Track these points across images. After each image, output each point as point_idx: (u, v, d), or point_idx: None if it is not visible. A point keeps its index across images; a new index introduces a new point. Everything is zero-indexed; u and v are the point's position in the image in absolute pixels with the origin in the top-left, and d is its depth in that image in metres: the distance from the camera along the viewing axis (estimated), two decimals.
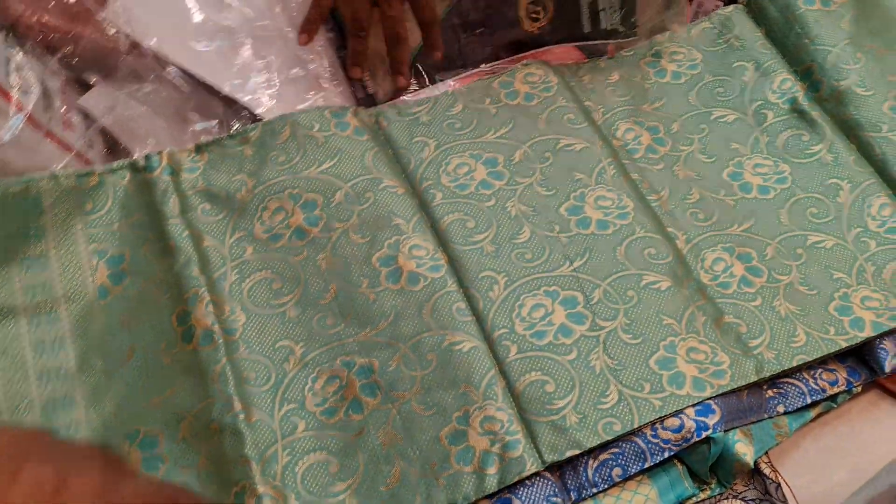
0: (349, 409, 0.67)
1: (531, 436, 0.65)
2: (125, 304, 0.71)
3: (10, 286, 0.69)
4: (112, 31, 0.80)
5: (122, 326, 0.70)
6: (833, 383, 0.71)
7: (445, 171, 0.78)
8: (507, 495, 0.63)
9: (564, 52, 0.92)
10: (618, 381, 0.66)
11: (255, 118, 0.84)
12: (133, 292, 0.71)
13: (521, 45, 0.92)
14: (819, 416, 0.71)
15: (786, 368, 0.69)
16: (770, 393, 0.70)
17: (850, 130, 0.82)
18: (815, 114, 0.83)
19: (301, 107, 0.84)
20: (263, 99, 0.84)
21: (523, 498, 0.63)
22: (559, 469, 0.65)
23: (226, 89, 0.83)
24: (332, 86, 0.88)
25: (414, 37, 0.87)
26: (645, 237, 0.75)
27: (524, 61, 0.88)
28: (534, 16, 0.93)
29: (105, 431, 0.66)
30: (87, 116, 0.81)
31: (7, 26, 0.75)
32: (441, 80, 0.89)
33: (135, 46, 0.81)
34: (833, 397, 0.71)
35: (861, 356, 0.72)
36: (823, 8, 0.88)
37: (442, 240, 0.74)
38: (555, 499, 0.63)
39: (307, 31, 0.87)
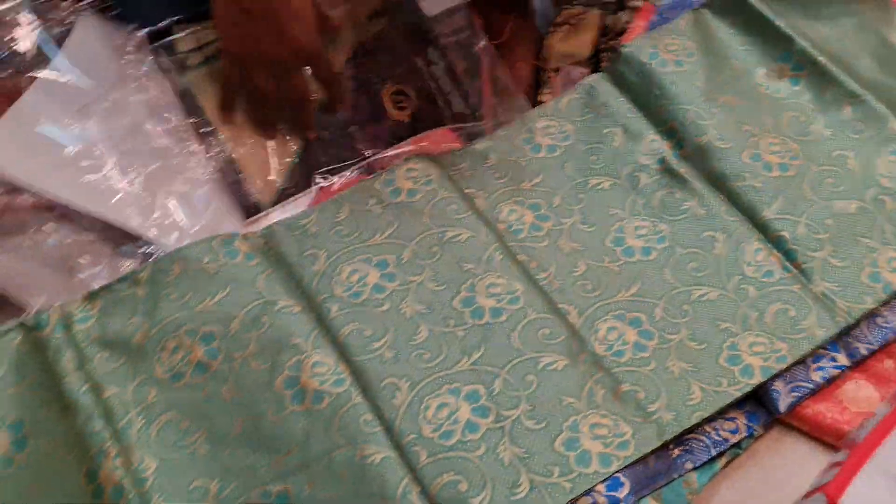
0: None
1: None
2: (31, 471, 0.69)
3: None
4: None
5: (32, 495, 0.68)
6: (734, 431, 0.73)
7: (338, 282, 0.79)
8: None
9: (441, 136, 0.94)
10: (528, 469, 0.67)
11: (146, 244, 0.83)
12: (38, 457, 0.70)
13: (395, 137, 0.94)
14: (728, 462, 0.73)
15: (685, 427, 0.70)
16: (676, 452, 0.71)
17: (717, 182, 0.85)
18: (683, 170, 0.86)
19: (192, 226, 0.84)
20: (150, 224, 0.84)
21: None
22: None
23: (111, 217, 0.82)
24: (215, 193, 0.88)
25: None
26: (537, 319, 0.76)
27: (405, 157, 0.89)
28: (400, 105, 0.95)
29: None
30: None
31: None
32: (323, 179, 0.90)
33: (7, 204, 0.80)
34: (737, 444, 0.73)
35: (757, 398, 0.74)
36: (677, 69, 0.92)
37: (342, 352, 0.75)
38: None
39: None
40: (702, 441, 0.72)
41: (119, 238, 0.84)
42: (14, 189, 0.82)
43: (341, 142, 0.93)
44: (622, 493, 0.67)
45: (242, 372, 0.73)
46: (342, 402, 0.71)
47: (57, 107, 0.87)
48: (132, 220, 0.84)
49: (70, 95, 0.88)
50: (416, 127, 0.95)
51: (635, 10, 1.02)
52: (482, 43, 0.97)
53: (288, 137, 0.91)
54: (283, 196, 0.90)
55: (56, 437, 0.70)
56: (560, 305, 0.78)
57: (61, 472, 0.69)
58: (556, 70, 1.02)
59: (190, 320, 0.76)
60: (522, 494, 0.66)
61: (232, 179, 0.90)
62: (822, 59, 0.90)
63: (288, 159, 0.92)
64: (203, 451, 0.71)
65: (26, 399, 0.72)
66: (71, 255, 0.81)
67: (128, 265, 0.83)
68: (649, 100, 0.91)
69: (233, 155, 0.90)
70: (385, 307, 0.77)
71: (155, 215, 0.85)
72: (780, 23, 0.92)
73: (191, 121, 0.91)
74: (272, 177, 0.91)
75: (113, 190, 0.85)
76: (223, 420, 0.72)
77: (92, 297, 0.77)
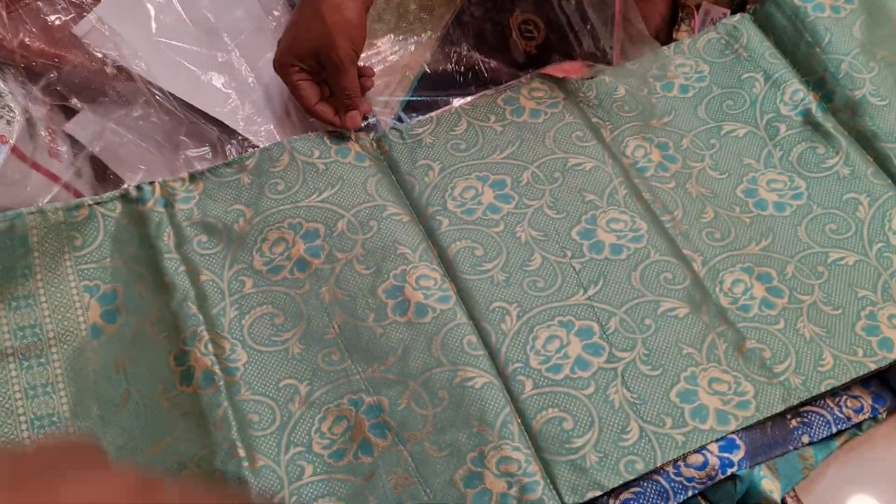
0: (358, 451, 0.62)
1: (550, 477, 0.60)
2: (119, 344, 0.65)
3: None
4: (98, 54, 0.75)
5: (117, 369, 0.65)
6: (858, 411, 0.66)
7: (451, 196, 0.73)
8: None
9: (571, 68, 0.87)
10: (638, 416, 0.62)
11: (249, 144, 0.78)
12: (128, 332, 0.66)
13: (518, 66, 0.87)
14: (843, 443, 0.67)
15: (814, 394, 0.64)
16: (794, 423, 0.65)
17: (867, 142, 0.77)
18: (830, 125, 0.78)
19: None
20: (254, 127, 0.79)
21: None
22: None
23: (218, 115, 0.77)
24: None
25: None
26: (660, 261, 0.70)
27: (528, 75, 0.83)
28: (527, 35, 0.88)
29: None
30: (74, 144, 0.75)
31: None
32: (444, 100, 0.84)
33: (121, 70, 0.76)
34: (858, 425, 0.66)
35: (886, 383, 0.67)
36: (834, 15, 0.83)
37: (450, 269, 0.69)
38: None
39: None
40: (823, 416, 0.65)
41: (223, 126, 0.80)
42: (121, 65, 0.77)
43: (465, 73, 0.87)
44: (737, 457, 0.60)
45: (345, 274, 0.68)
46: (446, 319, 0.66)
47: None
48: (236, 122, 0.79)
49: None
50: (542, 60, 0.88)
51: None
52: None
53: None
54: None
55: (148, 314, 0.66)
56: (684, 251, 0.71)
57: (150, 350, 0.65)
58: (697, 6, 0.94)
59: (294, 214, 0.71)
60: (631, 441, 0.60)
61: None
62: None
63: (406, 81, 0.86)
64: (296, 350, 0.66)
65: (121, 272, 0.68)
66: (176, 132, 0.76)
67: (231, 154, 0.78)
68: (798, 46, 0.83)
69: None
70: (499, 228, 0.71)
71: (258, 120, 0.80)
72: None
73: None
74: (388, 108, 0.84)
75: (215, 83, 0.80)
76: (320, 321, 0.67)
77: (195, 177, 0.72)
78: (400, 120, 0.82)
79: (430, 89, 0.85)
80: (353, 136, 0.76)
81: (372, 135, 0.78)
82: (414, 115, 0.82)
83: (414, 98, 0.84)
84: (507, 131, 0.78)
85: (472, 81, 0.86)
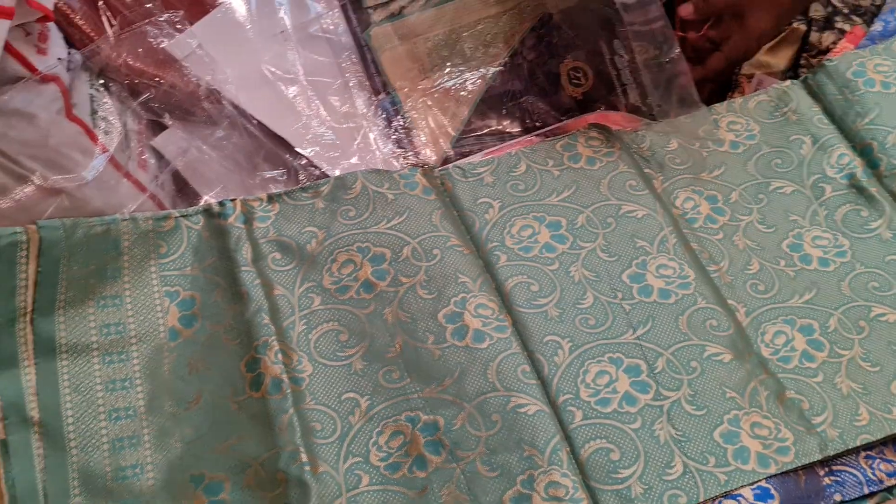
0: (413, 466, 0.64)
1: (595, 503, 0.60)
2: (194, 348, 0.67)
3: (85, 325, 0.66)
4: (193, 77, 0.78)
5: (191, 370, 0.66)
6: (891, 475, 0.65)
7: (510, 233, 0.75)
8: None
9: (621, 118, 0.89)
10: (682, 452, 0.62)
11: (322, 174, 0.81)
12: (203, 337, 0.68)
13: (565, 112, 0.89)
14: None
15: (850, 447, 0.64)
16: (827, 481, 0.64)
17: None
18: (874, 190, 0.79)
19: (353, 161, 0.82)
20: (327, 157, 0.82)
21: None
22: None
23: (297, 145, 0.80)
24: (379, 149, 0.85)
25: None
26: (706, 308, 0.71)
27: (586, 125, 0.85)
28: (575, 81, 0.90)
29: (170, 473, 0.63)
30: (160, 158, 0.78)
31: (96, 68, 0.73)
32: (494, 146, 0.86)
33: (211, 93, 0.79)
34: (890, 489, 0.66)
35: None
36: (884, 90, 0.84)
37: (506, 301, 0.70)
38: None
39: None
40: (856, 476, 0.65)
41: (297, 154, 0.82)
42: (212, 88, 0.80)
43: (514, 110, 0.89)
44: None
45: (408, 298, 0.70)
46: (502, 347, 0.67)
47: (256, 25, 0.85)
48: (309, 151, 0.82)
49: (265, 20, 0.86)
50: (586, 105, 0.90)
51: (843, 32, 0.95)
52: (675, 51, 0.91)
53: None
54: (446, 161, 0.86)
55: (223, 321, 0.68)
56: (729, 301, 0.72)
57: (223, 356, 0.67)
58: (750, 77, 0.95)
59: (363, 239, 0.72)
60: (675, 476, 0.61)
61: (404, 135, 0.86)
62: None
63: (459, 126, 0.88)
64: (359, 366, 0.68)
65: (200, 281, 0.70)
66: (255, 154, 0.79)
67: (303, 180, 0.81)
68: (847, 115, 0.84)
69: (410, 114, 0.87)
70: (554, 266, 0.73)
71: (333, 153, 0.83)
72: None
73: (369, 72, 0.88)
74: (442, 141, 0.87)
75: (296, 114, 0.83)
76: (382, 340, 0.68)
77: (273, 198, 0.75)
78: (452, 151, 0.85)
79: (480, 118, 0.87)
80: (420, 171, 0.78)
81: (436, 171, 0.80)
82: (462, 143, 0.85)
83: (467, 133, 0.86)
84: (563, 176, 0.80)
85: (518, 119, 0.88)
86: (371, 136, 0.85)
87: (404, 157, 0.84)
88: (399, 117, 0.86)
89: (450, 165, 0.81)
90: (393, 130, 0.86)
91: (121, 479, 0.62)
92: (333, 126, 0.82)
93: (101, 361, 0.65)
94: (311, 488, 0.60)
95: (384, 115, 0.86)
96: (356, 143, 0.83)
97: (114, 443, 0.63)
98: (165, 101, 0.78)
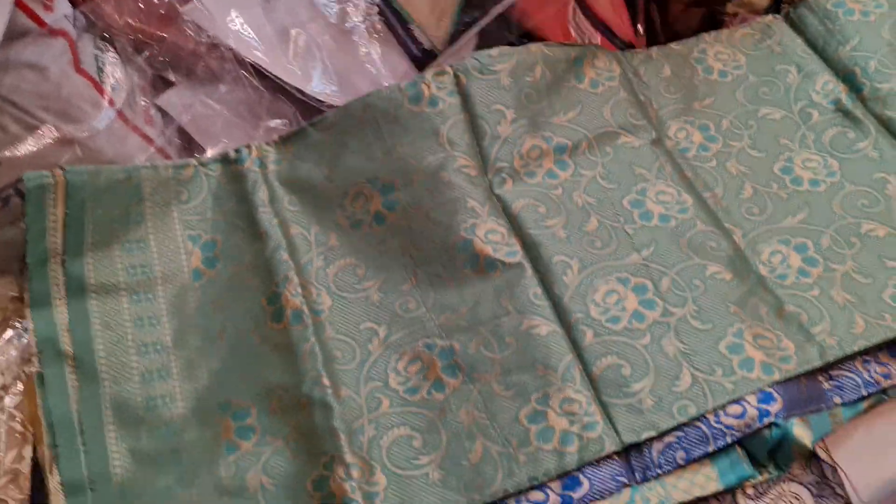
0: (432, 389, 0.65)
1: (609, 417, 0.62)
2: (217, 287, 0.69)
3: (112, 266, 0.68)
4: (193, 33, 0.78)
5: (214, 307, 0.68)
6: (886, 376, 0.68)
7: (518, 153, 0.75)
8: (576, 474, 0.61)
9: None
10: (690, 365, 0.64)
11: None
12: (224, 277, 0.69)
13: None
14: (870, 407, 0.69)
15: (847, 353, 0.66)
16: (827, 385, 0.67)
17: (894, 129, 0.80)
18: (859, 113, 0.80)
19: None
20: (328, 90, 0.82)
21: (592, 477, 0.61)
22: (625, 450, 0.62)
23: (300, 86, 0.80)
24: (384, 66, 0.84)
25: None
26: (705, 231, 0.72)
27: (592, 45, 0.84)
28: None
29: (198, 402, 0.65)
30: (165, 114, 0.79)
31: (99, 28, 0.74)
32: None
33: (213, 48, 0.79)
34: (885, 390, 0.68)
35: None
36: (863, 18, 0.86)
37: (515, 224, 0.72)
38: (621, 478, 0.61)
39: None
40: (854, 379, 0.67)
41: (298, 102, 0.83)
42: (214, 43, 0.80)
43: None
44: (774, 408, 0.63)
45: (418, 228, 0.71)
46: (514, 275, 0.68)
47: None
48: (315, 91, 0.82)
49: None
50: None
51: None
52: None
53: None
54: (455, 36, 0.84)
55: (243, 261, 0.69)
56: (726, 225, 0.74)
57: (244, 293, 0.68)
58: (734, 15, 0.97)
59: (372, 169, 0.73)
60: (683, 387, 0.63)
61: (401, 28, 0.84)
62: None
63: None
64: (376, 297, 0.69)
65: (220, 224, 0.71)
66: (258, 106, 0.79)
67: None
68: (830, 45, 0.85)
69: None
70: (558, 192, 0.74)
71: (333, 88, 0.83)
72: None
73: None
74: (444, 19, 0.84)
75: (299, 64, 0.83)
76: (398, 273, 0.70)
77: (285, 140, 0.75)
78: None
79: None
80: (429, 77, 0.76)
81: (451, 67, 0.77)
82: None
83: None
84: (572, 94, 0.80)
85: None
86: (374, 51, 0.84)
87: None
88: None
89: (467, 59, 0.77)
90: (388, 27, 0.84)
91: (152, 408, 0.63)
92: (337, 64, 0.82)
93: (130, 300, 0.67)
94: (334, 409, 0.62)
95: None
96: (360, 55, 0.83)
97: (144, 375, 0.65)
98: (169, 57, 0.78)
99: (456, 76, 0.76)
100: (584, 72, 0.81)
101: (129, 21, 0.75)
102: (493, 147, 0.75)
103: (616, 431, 0.61)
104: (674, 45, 0.87)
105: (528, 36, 0.87)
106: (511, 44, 0.82)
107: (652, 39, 0.95)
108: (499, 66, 0.77)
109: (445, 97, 0.75)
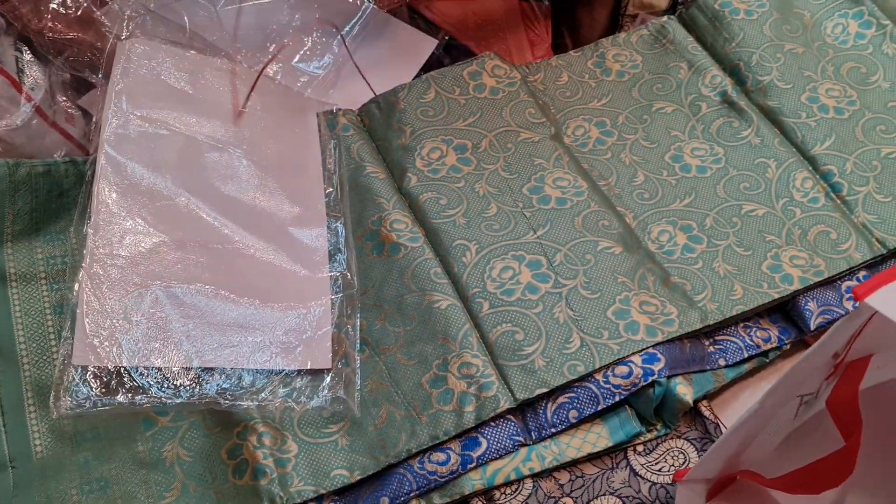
0: (340, 363, 0.71)
1: (504, 378, 0.68)
2: None
3: (32, 256, 0.73)
4: (111, 35, 0.83)
5: None
6: (766, 340, 0.75)
7: (420, 156, 0.82)
8: (475, 434, 0.67)
9: None
10: (580, 329, 0.71)
11: None
12: None
13: None
14: (754, 370, 0.76)
15: (727, 317, 0.73)
16: (711, 348, 0.74)
17: (774, 117, 0.88)
18: (743, 103, 0.89)
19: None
20: None
21: (489, 437, 0.67)
22: (521, 412, 0.69)
23: None
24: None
25: None
26: (598, 211, 0.79)
27: (488, 53, 0.92)
28: None
29: None
30: (86, 112, 0.84)
31: (17, 28, 0.79)
32: None
33: None
34: (766, 353, 0.76)
35: (790, 318, 0.77)
36: (747, 17, 0.95)
37: (419, 215, 0.79)
38: (517, 437, 0.67)
39: None
40: (735, 343, 0.75)
41: None
42: None
43: None
44: (657, 367, 0.69)
45: None
46: (416, 255, 0.75)
47: None
48: None
49: None
50: None
51: None
52: None
53: None
54: None
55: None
56: (618, 208, 0.81)
57: None
58: (634, 17, 1.05)
59: None
60: (573, 349, 0.70)
61: None
62: (887, 21, 0.93)
63: None
64: None
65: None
66: None
67: None
68: (717, 41, 0.94)
69: None
70: (461, 184, 0.81)
71: None
72: None
73: None
74: None
75: None
76: None
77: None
78: None
79: None
80: (340, 112, 0.87)
81: (359, 108, 0.89)
82: None
83: None
84: (469, 104, 0.87)
85: None
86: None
87: None
88: None
89: (369, 101, 0.89)
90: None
91: (73, 391, 0.68)
92: None
93: (49, 289, 0.72)
94: None
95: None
96: None
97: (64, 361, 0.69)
98: (85, 59, 0.83)
99: (360, 117, 0.88)
100: (483, 82, 0.89)
101: (49, 24, 0.80)
102: (395, 155, 0.84)
103: (510, 390, 0.67)
104: (573, 53, 0.95)
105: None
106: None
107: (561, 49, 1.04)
108: (393, 97, 0.87)
109: (353, 127, 0.87)
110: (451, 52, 1.00)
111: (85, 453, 0.66)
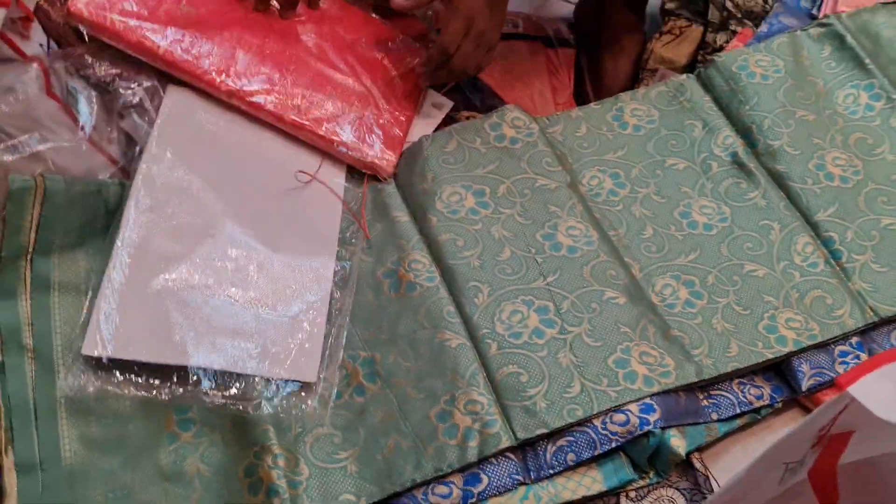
0: (353, 393, 0.76)
1: (506, 417, 0.73)
2: None
3: (76, 268, 0.79)
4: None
5: None
6: (759, 397, 0.80)
7: (440, 199, 0.88)
8: (477, 471, 0.71)
9: None
10: (581, 375, 0.75)
11: None
12: None
13: None
14: (746, 426, 0.80)
15: (721, 373, 0.78)
16: (705, 402, 0.78)
17: (781, 181, 0.92)
18: (752, 166, 0.93)
19: None
20: None
21: (491, 474, 0.71)
22: (522, 452, 0.74)
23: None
24: None
25: None
26: (606, 261, 0.84)
27: (510, 106, 0.97)
28: None
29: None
30: (128, 137, 0.89)
31: (72, 60, 0.85)
32: None
33: None
34: (758, 410, 0.80)
35: (783, 377, 0.81)
36: (763, 82, 0.99)
37: (437, 255, 0.84)
38: (517, 476, 0.72)
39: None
40: (729, 398, 0.79)
41: None
42: None
43: None
44: (653, 417, 0.73)
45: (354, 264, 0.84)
46: (431, 294, 0.80)
47: None
48: None
49: None
50: None
51: (735, 32, 1.10)
52: None
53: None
54: None
55: None
56: (626, 259, 0.86)
57: None
58: (654, 71, 1.10)
59: None
60: (573, 394, 0.74)
61: None
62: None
63: None
64: None
65: None
66: None
67: None
68: (732, 103, 0.99)
69: None
70: (478, 227, 0.86)
71: None
72: (867, 59, 1.00)
73: None
74: None
75: None
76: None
77: None
78: None
79: None
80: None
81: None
82: None
83: None
84: (489, 152, 0.92)
85: None
86: None
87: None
88: None
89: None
90: None
91: (102, 399, 0.73)
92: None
93: (89, 301, 0.76)
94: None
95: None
96: None
97: None
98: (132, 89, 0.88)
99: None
100: (503, 133, 0.94)
101: (99, 60, 0.86)
102: (418, 198, 0.89)
103: (512, 429, 0.72)
104: (593, 105, 1.00)
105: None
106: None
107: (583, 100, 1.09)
108: (418, 147, 0.93)
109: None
110: (475, 93, 1.05)
111: (111, 461, 0.71)
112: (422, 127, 0.99)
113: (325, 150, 0.91)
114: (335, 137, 0.90)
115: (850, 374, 0.48)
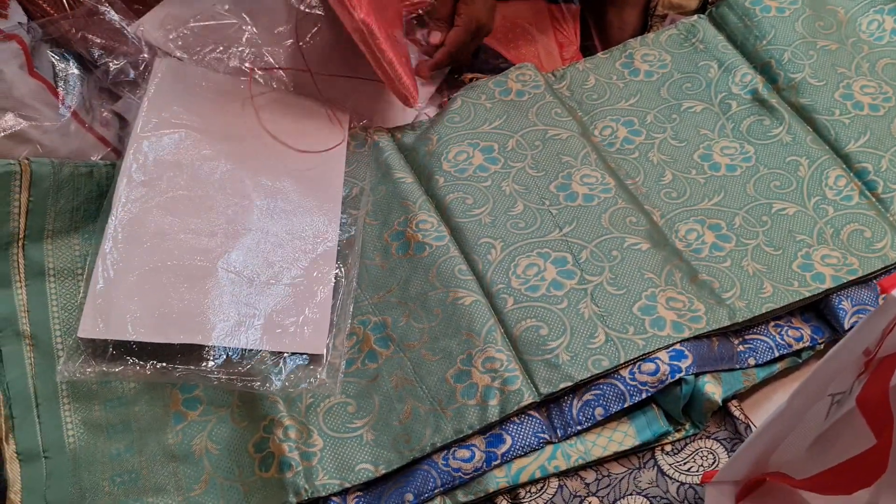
0: (365, 360, 0.73)
1: (528, 372, 0.70)
2: None
3: (71, 253, 0.77)
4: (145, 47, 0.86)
5: None
6: (798, 339, 0.75)
7: (447, 159, 0.85)
8: (499, 432, 0.68)
9: None
10: (605, 325, 0.72)
11: None
12: None
13: None
14: (786, 371, 0.76)
15: (756, 315, 0.74)
16: (741, 347, 0.74)
17: (806, 115, 0.88)
18: (774, 101, 0.89)
19: None
20: None
21: (514, 434, 0.68)
22: (546, 409, 0.70)
23: None
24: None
25: None
26: (626, 208, 0.81)
27: (522, 64, 0.94)
28: None
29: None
30: (121, 118, 0.87)
31: (56, 38, 0.82)
32: None
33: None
34: (798, 353, 0.76)
35: (823, 317, 0.77)
36: (778, 14, 0.95)
37: (445, 214, 0.80)
38: (543, 435, 0.68)
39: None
40: (766, 342, 0.75)
41: None
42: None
43: None
44: (685, 364, 0.70)
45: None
46: (441, 253, 0.77)
47: None
48: None
49: None
50: None
51: None
52: None
53: None
54: None
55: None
56: (646, 206, 0.82)
57: None
58: (664, 17, 1.06)
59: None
60: (598, 344, 0.71)
61: None
62: None
63: None
64: None
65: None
66: None
67: None
68: (748, 40, 0.95)
69: None
70: (487, 183, 0.83)
71: None
72: None
73: None
74: None
75: None
76: None
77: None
78: None
79: None
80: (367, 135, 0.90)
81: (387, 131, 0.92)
82: None
83: None
84: (495, 107, 0.90)
85: None
86: None
87: None
88: None
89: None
90: None
91: (105, 382, 0.70)
92: None
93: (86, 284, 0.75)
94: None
95: None
96: None
97: None
98: (122, 67, 0.86)
99: (392, 134, 0.91)
100: (508, 87, 0.91)
101: (85, 35, 0.83)
102: (423, 160, 0.86)
103: (534, 384, 0.69)
104: (600, 55, 0.97)
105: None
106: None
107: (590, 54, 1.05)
108: (424, 115, 0.91)
109: (385, 145, 0.89)
110: (478, 55, 1.02)
111: (117, 445, 0.69)
112: (423, 92, 0.96)
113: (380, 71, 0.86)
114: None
115: (894, 277, 0.44)
